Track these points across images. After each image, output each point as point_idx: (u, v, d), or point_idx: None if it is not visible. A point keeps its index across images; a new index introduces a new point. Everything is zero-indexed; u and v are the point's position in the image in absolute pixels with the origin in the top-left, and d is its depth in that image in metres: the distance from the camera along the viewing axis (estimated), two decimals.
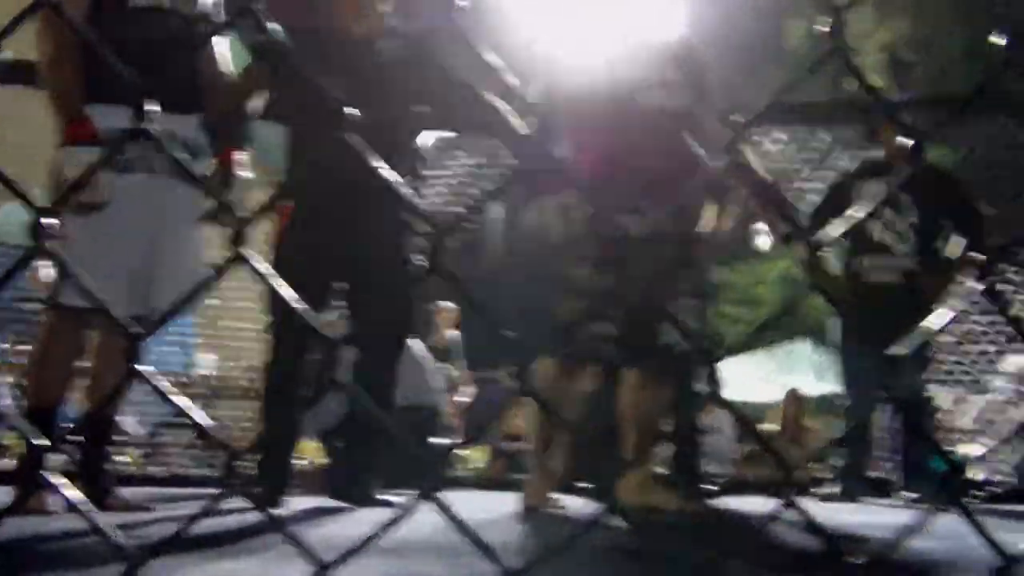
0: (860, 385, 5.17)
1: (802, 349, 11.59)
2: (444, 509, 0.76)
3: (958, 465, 6.04)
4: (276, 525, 0.83)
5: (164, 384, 0.83)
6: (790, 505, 0.79)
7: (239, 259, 0.76)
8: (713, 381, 0.80)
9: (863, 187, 5.14)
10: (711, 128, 3.73)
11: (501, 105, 3.93)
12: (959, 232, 5.24)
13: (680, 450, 4.98)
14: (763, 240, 4.20)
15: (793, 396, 8.55)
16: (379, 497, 3.86)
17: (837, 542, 0.78)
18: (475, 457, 8.03)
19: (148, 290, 3.35)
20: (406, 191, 0.75)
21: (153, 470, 6.21)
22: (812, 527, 0.77)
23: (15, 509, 0.85)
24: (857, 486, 5.34)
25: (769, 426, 8.56)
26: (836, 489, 5.35)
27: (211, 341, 8.66)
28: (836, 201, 5.22)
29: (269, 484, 3.79)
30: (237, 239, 0.76)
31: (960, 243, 5.20)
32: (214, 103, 3.53)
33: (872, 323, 4.91)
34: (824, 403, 11.13)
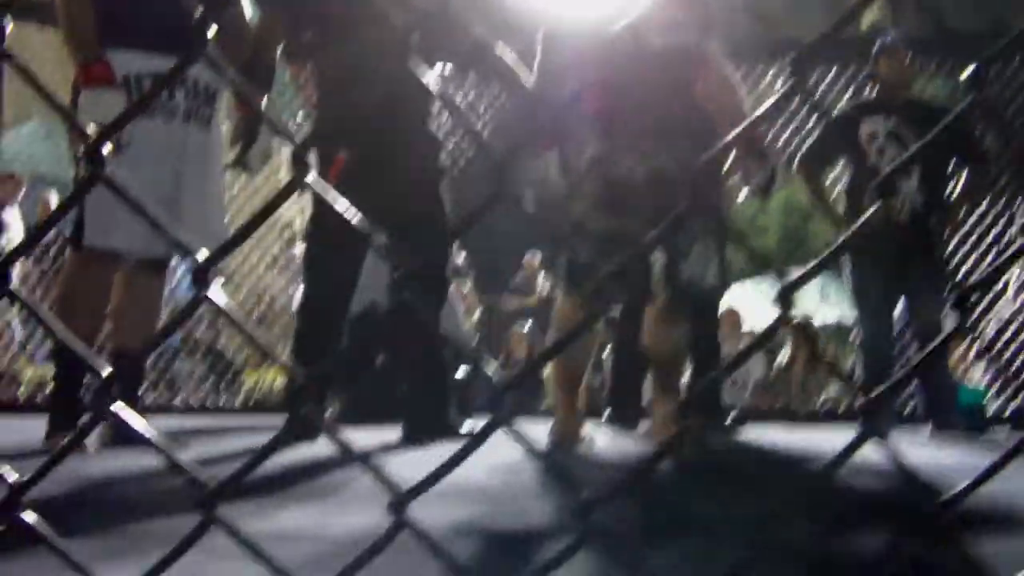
0: (875, 319, 5.12)
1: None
2: (521, 438, 0.76)
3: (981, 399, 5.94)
4: (353, 456, 0.83)
5: (235, 314, 0.83)
6: (875, 437, 0.76)
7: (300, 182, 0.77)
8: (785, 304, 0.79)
9: (861, 125, 5.09)
10: (717, 67, 3.66)
11: (510, 57, 3.84)
12: (961, 167, 5.20)
13: (700, 382, 4.99)
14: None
15: (803, 326, 8.47)
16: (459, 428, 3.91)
17: (919, 483, 0.76)
18: None
19: (175, 231, 3.34)
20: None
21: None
22: (899, 466, 0.76)
23: (70, 448, 0.84)
24: (886, 422, 5.23)
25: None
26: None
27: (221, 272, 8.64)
28: (833, 137, 5.22)
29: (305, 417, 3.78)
30: (298, 163, 0.77)
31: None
32: (238, 52, 3.53)
33: (881, 260, 4.90)
34: (833, 331, 11.15)
